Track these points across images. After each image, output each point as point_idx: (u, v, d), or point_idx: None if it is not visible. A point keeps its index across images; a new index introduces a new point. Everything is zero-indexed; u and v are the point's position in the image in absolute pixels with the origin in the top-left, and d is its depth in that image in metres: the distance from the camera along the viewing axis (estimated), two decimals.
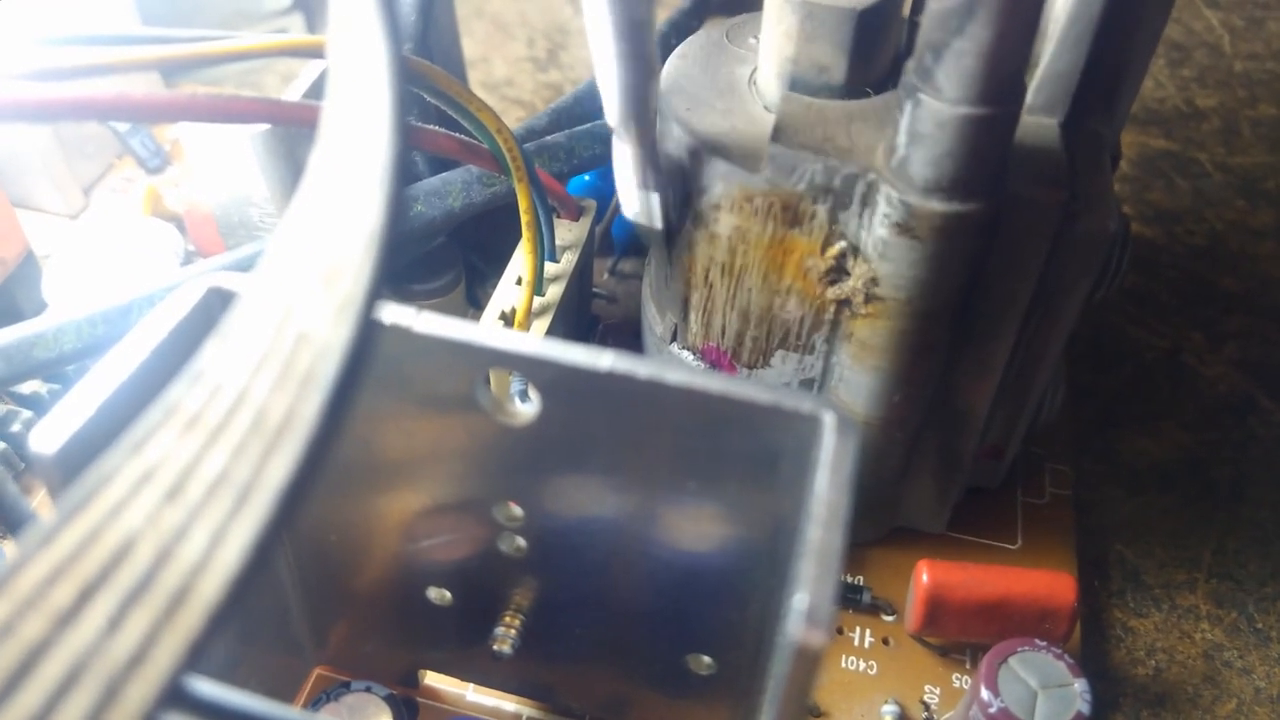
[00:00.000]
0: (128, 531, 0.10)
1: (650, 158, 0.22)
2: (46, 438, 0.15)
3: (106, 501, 0.11)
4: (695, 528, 0.19)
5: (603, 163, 0.31)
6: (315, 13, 0.45)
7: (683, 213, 0.24)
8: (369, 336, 0.12)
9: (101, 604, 0.10)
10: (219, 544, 0.10)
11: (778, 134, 0.22)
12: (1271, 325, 0.37)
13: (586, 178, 0.37)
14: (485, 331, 0.17)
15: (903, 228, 0.21)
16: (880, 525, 0.28)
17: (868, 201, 0.21)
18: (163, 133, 0.40)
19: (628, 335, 0.32)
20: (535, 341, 0.17)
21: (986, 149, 0.20)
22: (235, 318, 0.12)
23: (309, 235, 0.13)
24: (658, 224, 0.24)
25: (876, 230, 0.21)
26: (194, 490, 0.11)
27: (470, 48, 0.48)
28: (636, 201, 0.23)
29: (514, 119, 0.45)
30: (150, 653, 0.10)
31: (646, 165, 0.22)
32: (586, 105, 0.33)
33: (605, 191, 0.37)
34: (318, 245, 0.12)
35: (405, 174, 0.13)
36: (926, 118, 0.20)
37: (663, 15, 0.38)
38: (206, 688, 0.13)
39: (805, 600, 0.14)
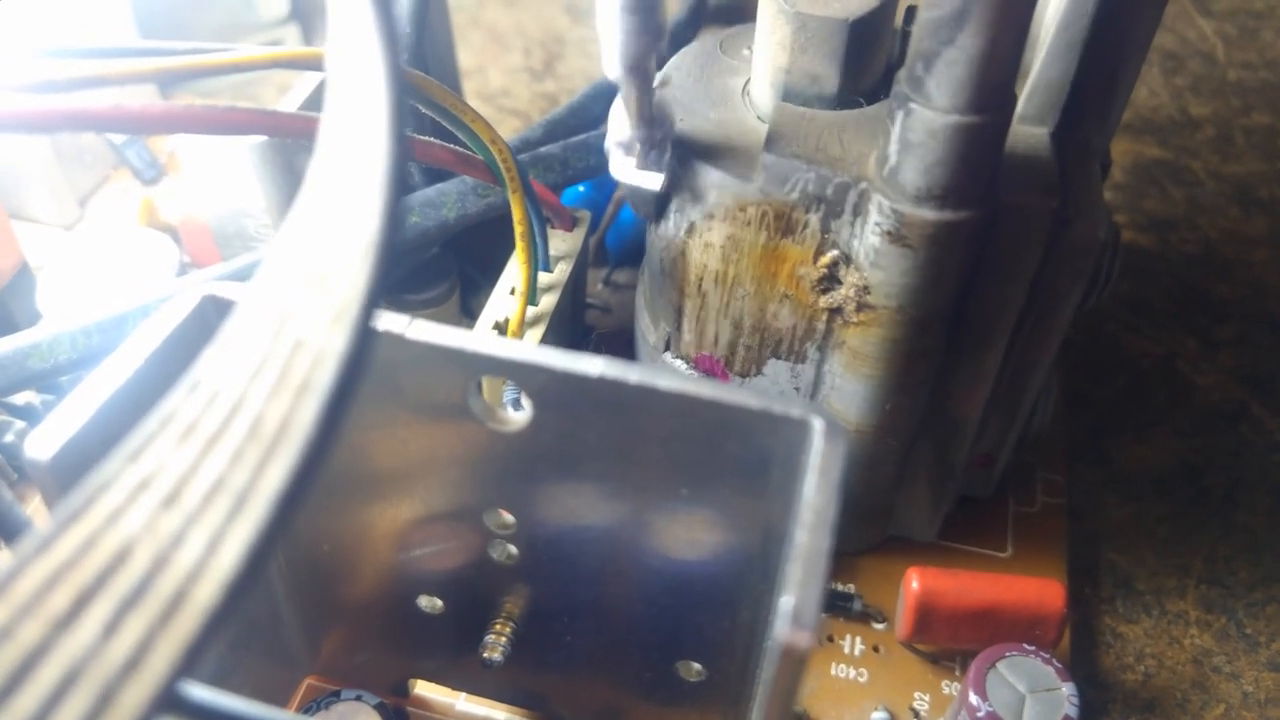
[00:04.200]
0: (125, 538, 0.10)
1: (647, 110, 0.22)
2: (41, 444, 0.15)
3: (104, 508, 0.11)
4: (687, 534, 0.19)
5: (596, 174, 0.31)
6: (311, 22, 0.45)
7: (675, 177, 0.23)
8: (366, 344, 0.12)
9: (98, 609, 0.10)
10: (215, 550, 0.10)
11: (771, 144, 0.22)
12: (1265, 333, 0.37)
13: (581, 189, 0.37)
14: (477, 338, 0.17)
15: (894, 236, 0.21)
16: (873, 534, 0.29)
17: (860, 210, 0.22)
18: (159, 144, 0.40)
19: (621, 345, 0.32)
20: (526, 347, 0.17)
21: (977, 157, 0.20)
22: (232, 325, 0.12)
23: (307, 242, 0.13)
24: (650, 185, 0.23)
25: (868, 239, 0.22)
26: (191, 497, 0.11)
27: (466, 58, 0.48)
28: (630, 160, 0.23)
29: (510, 129, 0.45)
30: (146, 658, 0.10)
31: (643, 118, 0.22)
32: (581, 117, 0.33)
33: (599, 202, 0.37)
34: (315, 252, 0.13)
35: (403, 184, 0.13)
36: (918, 126, 0.20)
37: None
38: (201, 692, 0.13)
39: (791, 602, 0.14)
